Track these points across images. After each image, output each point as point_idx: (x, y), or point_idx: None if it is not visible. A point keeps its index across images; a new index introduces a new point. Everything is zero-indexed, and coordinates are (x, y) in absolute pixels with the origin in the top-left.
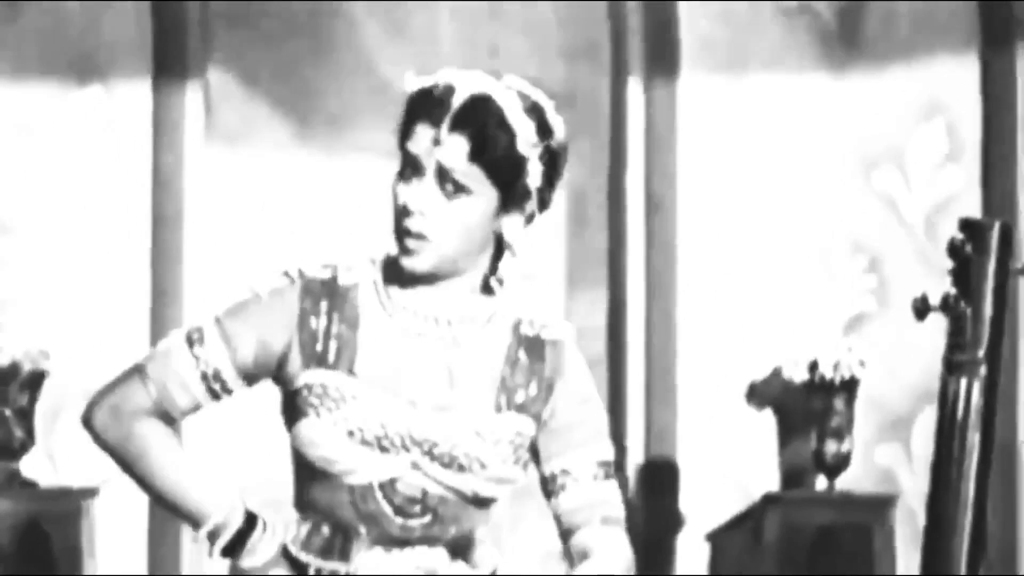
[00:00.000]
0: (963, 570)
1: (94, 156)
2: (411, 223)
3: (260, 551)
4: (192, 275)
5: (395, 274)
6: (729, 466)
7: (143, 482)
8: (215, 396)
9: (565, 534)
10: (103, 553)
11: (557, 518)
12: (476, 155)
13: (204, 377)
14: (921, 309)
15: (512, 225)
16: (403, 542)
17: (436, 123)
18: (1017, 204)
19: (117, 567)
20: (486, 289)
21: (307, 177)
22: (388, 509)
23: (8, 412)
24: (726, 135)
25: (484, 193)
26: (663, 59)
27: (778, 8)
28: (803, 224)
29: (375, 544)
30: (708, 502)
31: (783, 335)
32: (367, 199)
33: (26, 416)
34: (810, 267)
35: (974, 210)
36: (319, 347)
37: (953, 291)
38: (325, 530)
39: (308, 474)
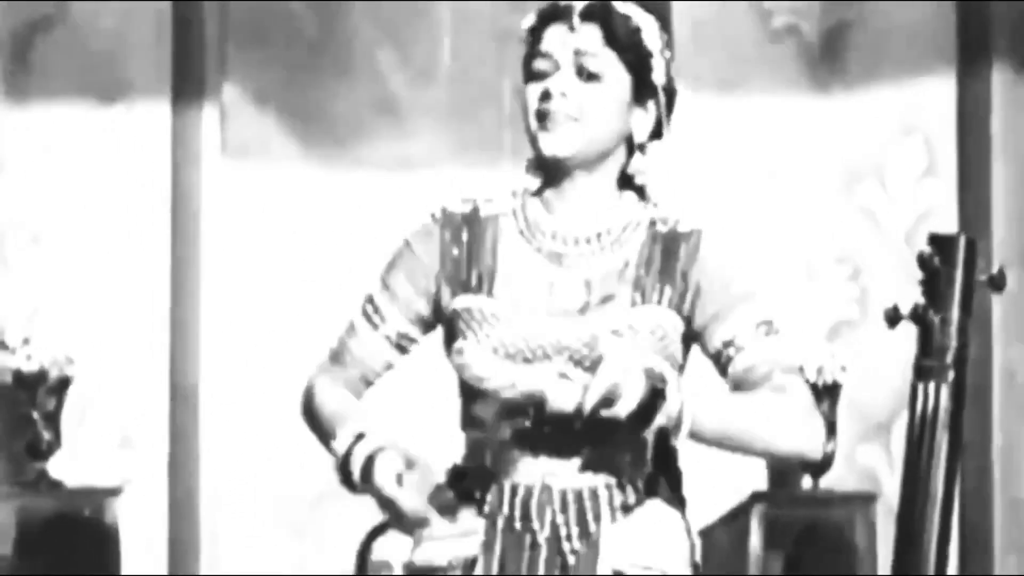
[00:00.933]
0: (933, 560)
1: (117, 170)
2: (553, 105)
3: (383, 469)
4: (209, 282)
5: (534, 203)
6: (720, 467)
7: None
8: (403, 351)
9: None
10: (126, 548)
11: (736, 383)
12: (609, 40)
13: (388, 340)
14: (893, 318)
15: (641, 121)
16: (547, 451)
17: (566, 21)
18: (991, 216)
19: (139, 561)
20: (622, 186)
21: (317, 189)
22: (537, 419)
23: (36, 415)
24: (716, 151)
25: (618, 79)
26: None
27: (765, 31)
28: (789, 236)
29: (523, 452)
30: (701, 500)
31: None
32: (375, 210)
33: (53, 419)
34: (795, 277)
35: (951, 222)
36: (463, 275)
37: (923, 301)
38: (478, 437)
39: (468, 394)
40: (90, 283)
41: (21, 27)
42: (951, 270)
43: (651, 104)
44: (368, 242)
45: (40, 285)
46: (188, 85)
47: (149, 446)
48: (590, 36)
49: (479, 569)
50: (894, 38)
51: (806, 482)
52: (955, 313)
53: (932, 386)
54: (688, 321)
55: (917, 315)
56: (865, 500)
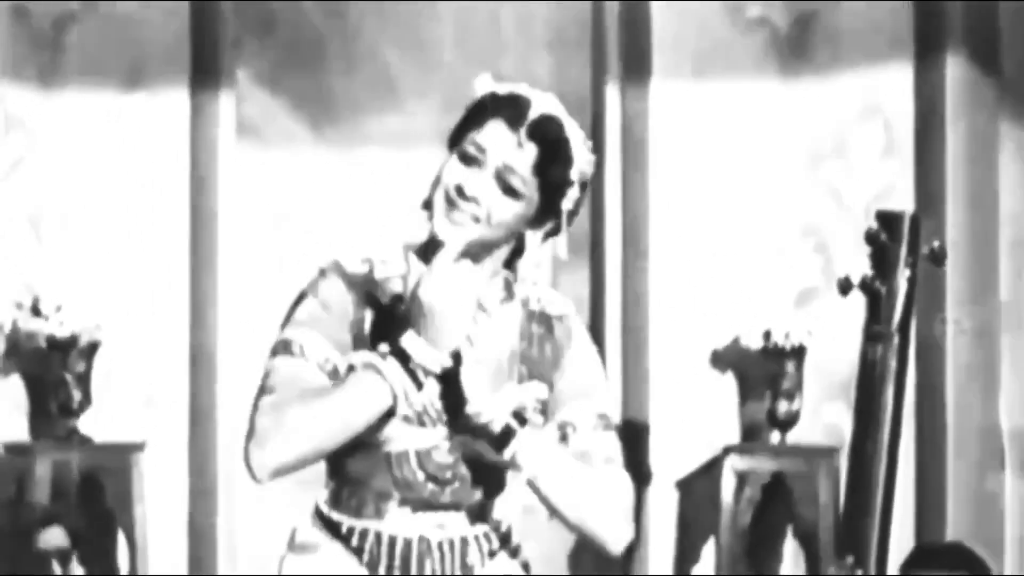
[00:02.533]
0: (880, 497)
1: (140, 151)
2: (464, 206)
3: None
4: (225, 254)
5: (420, 267)
6: (695, 423)
7: (333, 431)
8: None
9: None
10: (150, 498)
11: None
12: (540, 169)
13: (322, 370)
14: (844, 287)
15: (534, 238)
16: (430, 505)
17: (512, 126)
18: (946, 194)
19: (162, 509)
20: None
21: (324, 167)
22: (421, 476)
23: (68, 377)
24: (692, 133)
25: (530, 201)
26: (638, 64)
27: (739, 21)
28: (759, 211)
29: (403, 506)
30: (677, 454)
31: (742, 308)
32: (378, 185)
33: (83, 380)
34: (765, 249)
35: (908, 198)
36: (362, 333)
37: (871, 273)
38: (359, 492)
39: (345, 445)
40: (116, 255)
41: (53, 20)
42: (896, 245)
43: (551, 223)
44: (371, 215)
45: (71, 258)
46: (205, 73)
47: (170, 405)
48: (525, 158)
49: None
50: (857, 29)
51: (775, 437)
52: (900, 283)
53: (879, 349)
54: (549, 388)
55: (866, 285)
56: (828, 452)
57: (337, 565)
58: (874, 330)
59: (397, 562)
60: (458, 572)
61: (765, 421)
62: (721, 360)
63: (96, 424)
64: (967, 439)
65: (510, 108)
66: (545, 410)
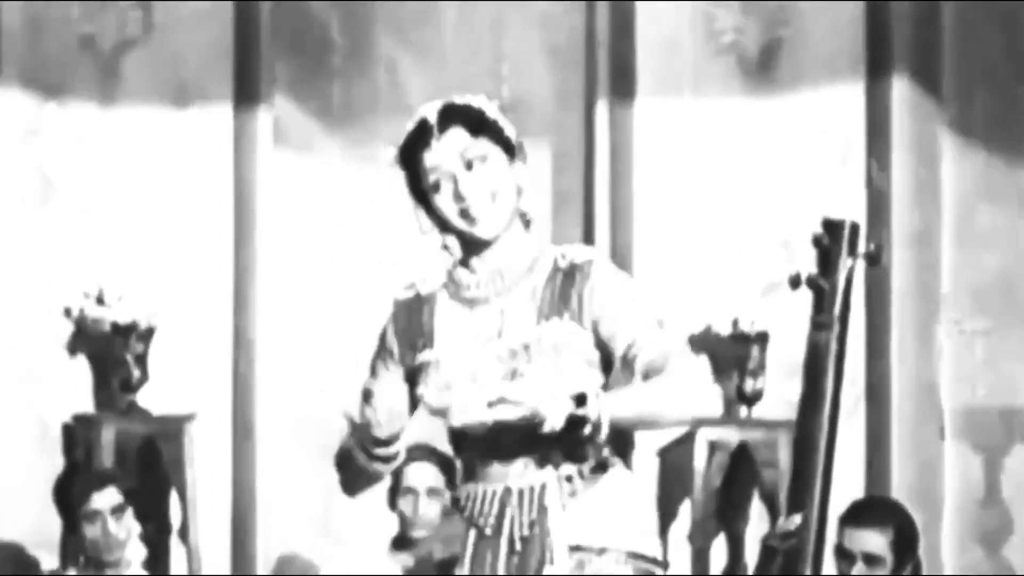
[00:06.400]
0: (821, 460)
1: (189, 162)
2: (467, 204)
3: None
4: (264, 252)
5: (458, 269)
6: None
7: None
8: (413, 410)
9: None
10: (200, 463)
11: (644, 373)
12: (474, 130)
13: (403, 402)
14: (795, 282)
15: (520, 171)
16: (509, 456)
17: (431, 137)
18: (891, 203)
19: (209, 471)
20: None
21: (351, 175)
22: (493, 435)
23: (128, 357)
24: (671, 145)
25: (494, 155)
26: (625, 83)
27: (713, 47)
28: (730, 213)
29: (493, 463)
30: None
31: (714, 299)
32: (398, 191)
33: (142, 360)
34: (734, 245)
35: (859, 205)
36: (413, 343)
37: (816, 271)
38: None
39: (443, 429)
40: (169, 251)
41: (112, 45)
42: (838, 248)
43: (519, 155)
44: (389, 209)
45: (130, 253)
46: (247, 92)
47: (216, 381)
48: (458, 136)
49: (458, 568)
50: (816, 54)
51: (743, 411)
52: (840, 280)
53: (823, 336)
54: (595, 340)
55: (812, 281)
56: (788, 424)
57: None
58: (819, 319)
59: (485, 512)
60: (528, 517)
61: (734, 397)
62: (695, 344)
63: (153, 398)
64: (911, 413)
65: (420, 136)
66: (598, 342)
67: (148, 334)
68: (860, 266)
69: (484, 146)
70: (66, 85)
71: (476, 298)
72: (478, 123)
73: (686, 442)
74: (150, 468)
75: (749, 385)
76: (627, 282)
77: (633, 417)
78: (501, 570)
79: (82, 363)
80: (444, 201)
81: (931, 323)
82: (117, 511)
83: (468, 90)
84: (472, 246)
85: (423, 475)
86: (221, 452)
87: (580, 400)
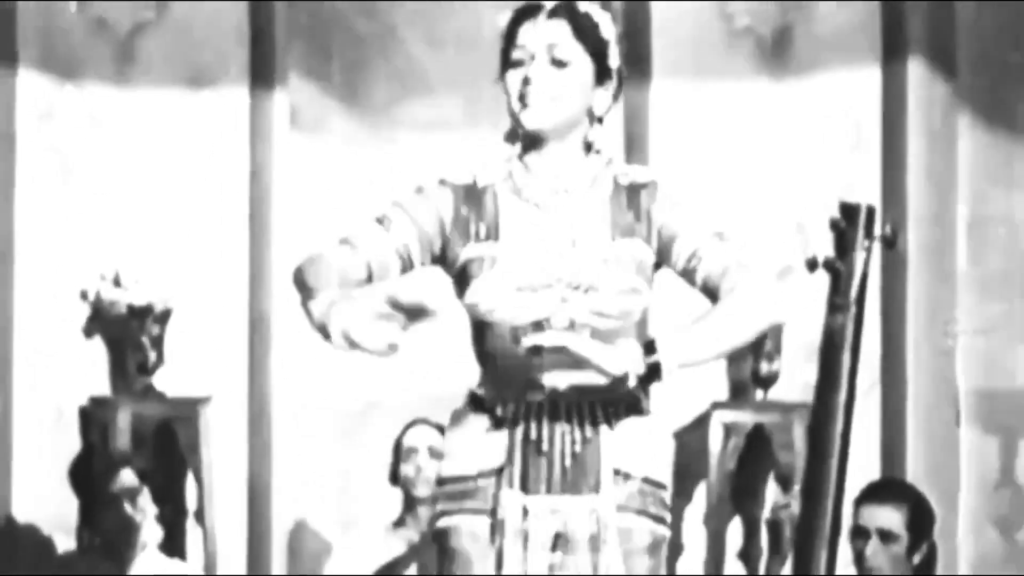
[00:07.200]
0: (837, 444)
1: (205, 143)
2: (532, 88)
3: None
4: (279, 232)
5: (518, 165)
6: (688, 382)
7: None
8: (403, 267)
9: (714, 296)
10: (216, 445)
11: (709, 293)
12: (575, 32)
13: (394, 245)
14: (811, 265)
15: (601, 98)
16: (553, 368)
17: (536, 18)
18: (907, 186)
19: (225, 453)
20: (585, 151)
21: (364, 152)
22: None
23: (145, 340)
24: (686, 128)
25: (583, 66)
26: (640, 66)
27: (728, 30)
28: (745, 196)
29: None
30: (674, 409)
31: None
32: (413, 167)
33: (158, 343)
34: (749, 228)
35: (874, 190)
36: (471, 228)
37: (833, 254)
38: (507, 377)
39: (477, 330)
40: (185, 234)
41: (128, 28)
42: (854, 231)
43: (608, 84)
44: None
45: (146, 237)
46: (262, 74)
47: (232, 364)
48: (559, 30)
49: (504, 476)
50: (832, 38)
51: (758, 394)
52: (857, 264)
53: (839, 319)
54: (657, 251)
55: (828, 264)
56: (803, 407)
57: (482, 430)
58: (835, 302)
59: (532, 424)
60: (587, 432)
61: (749, 380)
62: None
63: (168, 380)
64: (927, 398)
65: (529, 12)
66: (660, 260)
67: (164, 317)
68: (876, 249)
69: (576, 52)
70: (82, 67)
71: (541, 202)
72: (586, 30)
73: (702, 424)
74: (166, 451)
75: (764, 367)
76: (689, 199)
77: (702, 357)
78: (556, 488)
79: (98, 346)
80: (513, 78)
81: (947, 306)
82: (133, 493)
83: (484, 74)
84: (532, 141)
85: (423, 435)
86: (237, 434)
87: (648, 347)
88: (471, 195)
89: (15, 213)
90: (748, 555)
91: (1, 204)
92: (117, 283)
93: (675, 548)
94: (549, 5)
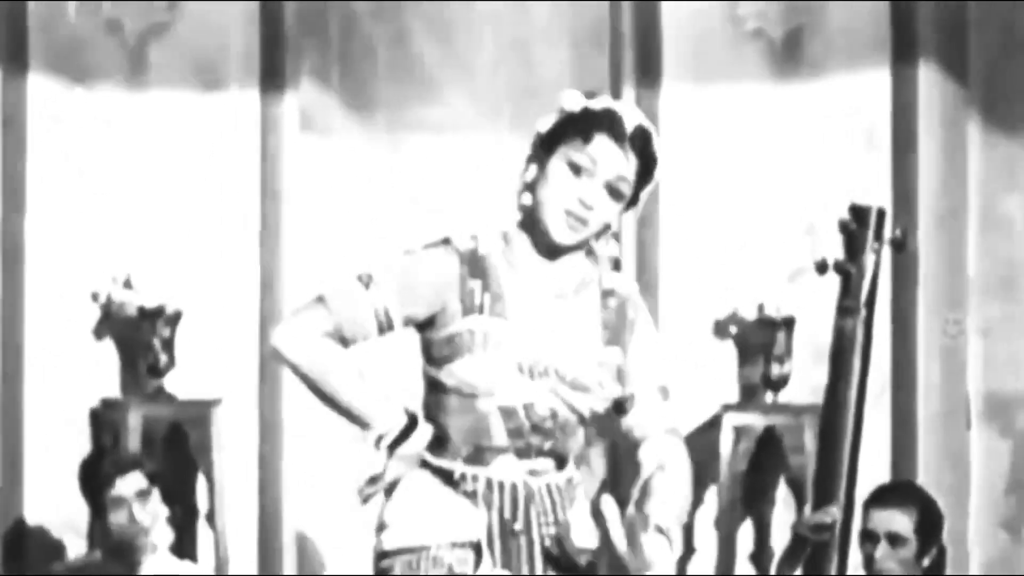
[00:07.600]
0: (847, 447)
1: (217, 145)
2: (582, 213)
3: (415, 442)
4: (290, 233)
5: (520, 246)
6: (699, 384)
7: (326, 395)
8: (381, 332)
9: (634, 445)
10: (227, 447)
11: (628, 431)
12: (641, 175)
13: (374, 307)
14: (821, 268)
15: (622, 216)
16: (527, 453)
17: (616, 140)
18: (917, 188)
19: (236, 455)
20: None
21: (373, 153)
22: (527, 425)
23: (156, 342)
24: (697, 130)
25: (628, 195)
26: (651, 69)
27: (738, 33)
28: (756, 198)
29: (507, 454)
30: (683, 412)
31: (740, 284)
32: (420, 169)
33: (169, 345)
34: (761, 231)
35: (885, 192)
36: (476, 301)
37: (843, 256)
38: (468, 442)
39: (450, 401)
40: (196, 235)
41: (139, 31)
42: (864, 233)
43: (632, 207)
44: (415, 193)
45: (156, 239)
46: (273, 77)
47: (243, 366)
48: (631, 167)
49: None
50: (842, 39)
51: (768, 396)
52: (867, 266)
53: (849, 322)
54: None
55: (839, 266)
56: (814, 409)
57: (451, 508)
58: (845, 304)
59: (507, 504)
60: (552, 516)
61: (760, 383)
62: (722, 329)
63: (179, 382)
64: (937, 400)
65: (610, 122)
66: (619, 376)
67: (175, 318)
68: (887, 252)
69: (631, 186)
70: (93, 70)
71: (548, 292)
72: (649, 167)
73: (712, 427)
74: (177, 453)
75: (775, 370)
76: (656, 336)
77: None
78: (539, 569)
79: (109, 347)
80: (565, 184)
81: (958, 309)
82: (142, 496)
83: (495, 76)
84: (537, 234)
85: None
86: (248, 436)
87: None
88: (475, 264)
89: (26, 215)
90: (759, 558)
91: (12, 206)
92: (128, 285)
93: (686, 551)
94: (630, 124)
